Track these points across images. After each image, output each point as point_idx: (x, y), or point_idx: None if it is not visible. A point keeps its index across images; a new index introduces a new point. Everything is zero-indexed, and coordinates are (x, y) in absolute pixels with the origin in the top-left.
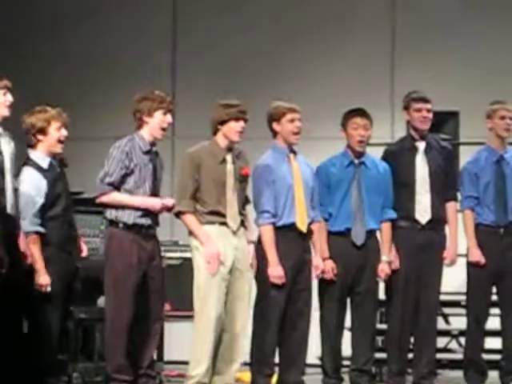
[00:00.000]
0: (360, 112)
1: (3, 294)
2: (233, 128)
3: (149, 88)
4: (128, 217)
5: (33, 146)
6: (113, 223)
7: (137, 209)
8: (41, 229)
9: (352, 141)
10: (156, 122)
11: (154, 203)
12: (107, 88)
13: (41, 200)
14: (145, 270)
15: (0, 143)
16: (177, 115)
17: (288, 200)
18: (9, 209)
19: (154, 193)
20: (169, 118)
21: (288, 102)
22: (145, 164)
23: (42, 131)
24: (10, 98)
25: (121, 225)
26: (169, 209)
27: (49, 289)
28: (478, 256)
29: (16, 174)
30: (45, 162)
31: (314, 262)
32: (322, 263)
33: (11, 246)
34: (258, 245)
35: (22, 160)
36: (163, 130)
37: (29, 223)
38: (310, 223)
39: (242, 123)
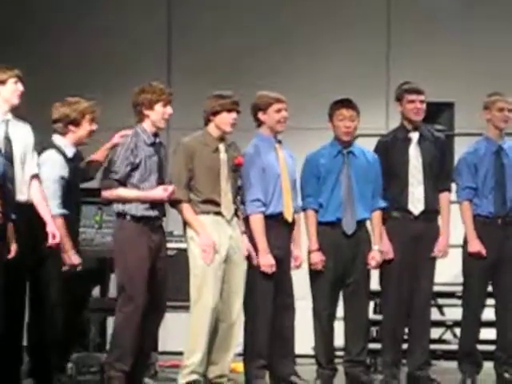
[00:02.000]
0: (346, 103)
1: (13, 278)
2: (225, 119)
3: (147, 80)
4: (136, 209)
5: (61, 134)
6: (120, 215)
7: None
8: (66, 211)
9: (338, 132)
10: (157, 115)
11: (160, 194)
12: (104, 81)
13: (63, 185)
14: (153, 261)
15: (8, 130)
16: (172, 107)
17: (276, 189)
18: (20, 196)
19: (161, 184)
20: (169, 109)
21: (273, 92)
22: (150, 156)
23: (75, 123)
24: (20, 87)
25: (128, 217)
26: (171, 194)
27: (80, 268)
28: (478, 246)
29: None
30: (70, 152)
31: (293, 253)
32: (301, 254)
33: (24, 233)
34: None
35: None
36: (165, 120)
37: (57, 206)
38: (293, 213)
39: (234, 114)
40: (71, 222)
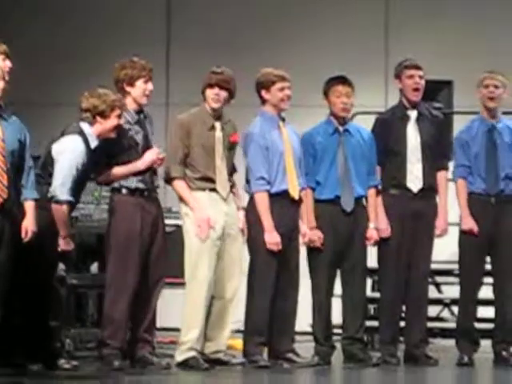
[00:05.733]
0: (341, 80)
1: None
2: (208, 95)
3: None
4: (130, 182)
5: (89, 123)
6: (115, 190)
7: (135, 174)
8: (73, 199)
9: (335, 108)
10: (138, 91)
11: (150, 156)
12: (102, 57)
13: (78, 174)
14: (149, 233)
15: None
16: (171, 83)
17: (280, 167)
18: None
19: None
20: (150, 85)
21: (277, 70)
22: (136, 134)
23: (103, 115)
24: (8, 63)
25: (124, 190)
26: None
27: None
28: (470, 224)
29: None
30: (93, 143)
31: (301, 230)
32: (308, 231)
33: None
34: (249, 212)
35: None
36: (147, 96)
37: (66, 192)
38: (300, 191)
39: (216, 90)
40: (72, 210)
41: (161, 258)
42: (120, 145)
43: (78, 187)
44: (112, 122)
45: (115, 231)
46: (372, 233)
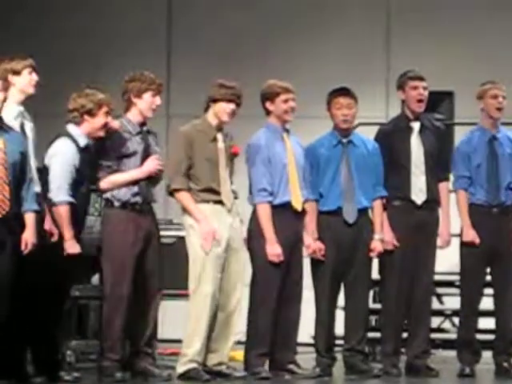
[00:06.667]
0: (343, 92)
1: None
2: (223, 108)
3: (140, 69)
4: (123, 195)
5: (76, 123)
6: (107, 202)
7: (134, 183)
8: (73, 200)
9: (336, 120)
10: (145, 104)
11: (150, 165)
12: (101, 67)
13: (73, 174)
14: (143, 249)
15: (25, 126)
16: (171, 94)
17: (283, 179)
18: (36, 188)
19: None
20: (158, 100)
21: (282, 81)
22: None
23: (91, 113)
24: (35, 77)
25: (116, 203)
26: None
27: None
28: (472, 236)
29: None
30: (83, 142)
31: (305, 242)
32: (313, 243)
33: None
34: (252, 223)
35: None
36: (153, 110)
37: (63, 193)
38: (304, 202)
39: (232, 105)
40: (76, 211)
41: (155, 272)
42: (116, 151)
43: (77, 188)
44: (100, 120)
45: (108, 246)
46: (376, 244)
